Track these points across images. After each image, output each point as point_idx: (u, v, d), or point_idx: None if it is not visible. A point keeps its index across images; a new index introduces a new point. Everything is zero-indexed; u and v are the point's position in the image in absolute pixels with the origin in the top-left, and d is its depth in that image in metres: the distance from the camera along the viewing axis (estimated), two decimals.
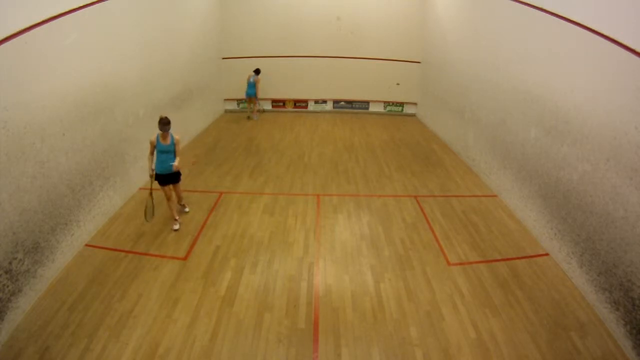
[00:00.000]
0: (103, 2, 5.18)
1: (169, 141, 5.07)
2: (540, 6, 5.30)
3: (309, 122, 11.08)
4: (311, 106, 12.27)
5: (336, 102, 12.25)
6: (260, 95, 11.19)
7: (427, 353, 3.50)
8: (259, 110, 11.53)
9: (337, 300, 4.13)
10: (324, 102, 12.24)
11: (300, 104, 12.23)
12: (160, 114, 5.16)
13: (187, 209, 5.85)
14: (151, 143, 5.07)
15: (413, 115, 12.13)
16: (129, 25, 6.06)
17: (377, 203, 6.29)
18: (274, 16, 11.23)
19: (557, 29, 4.90)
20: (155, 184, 5.21)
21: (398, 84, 11.92)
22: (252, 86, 10.85)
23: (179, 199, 5.61)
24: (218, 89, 11.32)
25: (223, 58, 11.44)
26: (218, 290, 4.24)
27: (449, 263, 4.78)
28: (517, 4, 5.89)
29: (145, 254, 4.81)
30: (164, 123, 4.94)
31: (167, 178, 5.21)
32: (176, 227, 5.36)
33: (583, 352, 3.53)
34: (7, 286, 3.63)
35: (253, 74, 10.86)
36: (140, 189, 6.53)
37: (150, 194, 5.17)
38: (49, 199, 4.27)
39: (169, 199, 5.36)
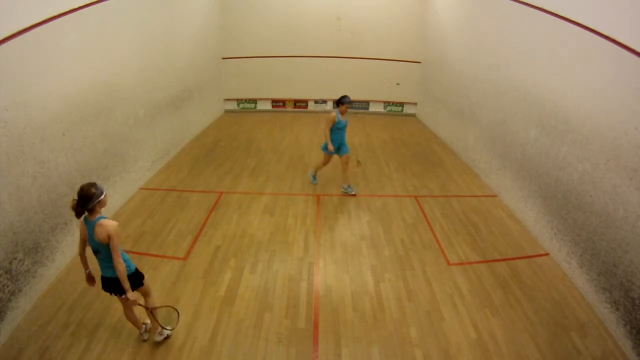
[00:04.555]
0: (103, 2, 5.17)
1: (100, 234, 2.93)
2: (540, 6, 5.30)
3: (309, 122, 11.06)
4: (311, 106, 12.25)
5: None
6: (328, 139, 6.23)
7: (427, 353, 3.50)
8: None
9: (337, 300, 4.14)
10: (324, 102, 12.23)
11: (300, 104, 12.22)
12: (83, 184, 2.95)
13: (147, 334, 3.62)
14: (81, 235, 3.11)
15: (413, 115, 12.13)
16: (129, 25, 6.06)
17: (377, 203, 6.29)
18: (274, 16, 11.22)
19: (557, 29, 4.89)
20: None
21: (398, 84, 11.91)
22: (343, 130, 6.23)
23: (133, 319, 3.51)
24: (218, 89, 11.31)
25: (223, 58, 11.43)
26: (218, 290, 4.24)
27: (449, 263, 4.78)
28: (517, 4, 5.89)
29: (145, 254, 4.81)
30: (85, 199, 2.87)
31: (108, 283, 3.24)
32: (159, 337, 3.52)
33: (583, 352, 3.53)
34: (7, 286, 3.63)
35: (337, 107, 6.04)
36: (141, 189, 6.53)
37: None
38: (49, 199, 4.27)
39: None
